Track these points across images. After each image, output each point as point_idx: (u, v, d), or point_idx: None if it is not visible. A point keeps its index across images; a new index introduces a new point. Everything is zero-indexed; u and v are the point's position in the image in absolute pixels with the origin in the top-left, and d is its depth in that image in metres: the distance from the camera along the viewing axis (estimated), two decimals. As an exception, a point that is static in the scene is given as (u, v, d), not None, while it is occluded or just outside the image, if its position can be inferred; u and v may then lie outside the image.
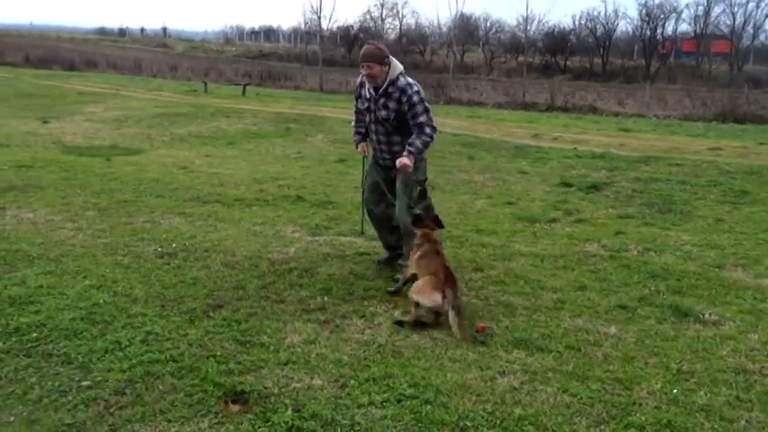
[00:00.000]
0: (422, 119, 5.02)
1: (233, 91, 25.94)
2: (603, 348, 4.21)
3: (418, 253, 4.81)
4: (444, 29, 50.28)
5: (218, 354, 3.90)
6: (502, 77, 34.68)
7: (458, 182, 10.10)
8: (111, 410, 3.26)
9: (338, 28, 53.49)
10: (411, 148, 4.97)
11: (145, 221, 6.88)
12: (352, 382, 3.65)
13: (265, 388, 3.54)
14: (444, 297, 4.35)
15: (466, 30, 47.35)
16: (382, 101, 5.14)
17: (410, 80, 5.12)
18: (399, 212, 5.27)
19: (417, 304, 4.38)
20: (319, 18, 43.29)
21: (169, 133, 14.42)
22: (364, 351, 4.06)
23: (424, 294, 4.39)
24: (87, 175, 9.22)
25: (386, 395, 3.49)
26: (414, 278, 4.74)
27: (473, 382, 3.69)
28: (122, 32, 68.07)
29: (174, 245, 6.08)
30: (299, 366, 3.81)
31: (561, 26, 45.32)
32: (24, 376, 3.56)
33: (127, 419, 3.20)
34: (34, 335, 4.04)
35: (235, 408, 3.33)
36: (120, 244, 6.03)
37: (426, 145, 5.04)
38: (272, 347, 4.04)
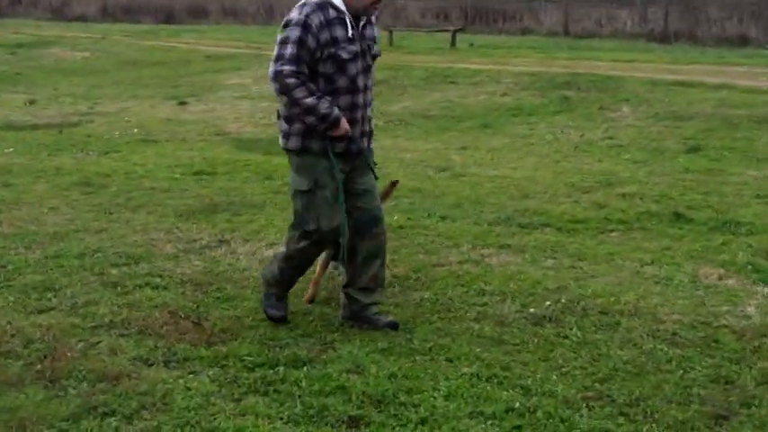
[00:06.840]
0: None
1: (431, 42, 18.45)
2: None
3: None
4: None
5: None
6: None
7: None
8: None
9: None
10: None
11: (460, 261, 4.57)
12: None
13: None
14: None
15: None
16: (369, 31, 3.39)
17: None
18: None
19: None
20: None
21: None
22: None
23: None
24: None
25: None
26: None
27: None
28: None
29: (547, 302, 3.90)
30: None
31: None
32: None
33: None
34: None
35: None
36: (455, 301, 3.92)
37: None
38: None
